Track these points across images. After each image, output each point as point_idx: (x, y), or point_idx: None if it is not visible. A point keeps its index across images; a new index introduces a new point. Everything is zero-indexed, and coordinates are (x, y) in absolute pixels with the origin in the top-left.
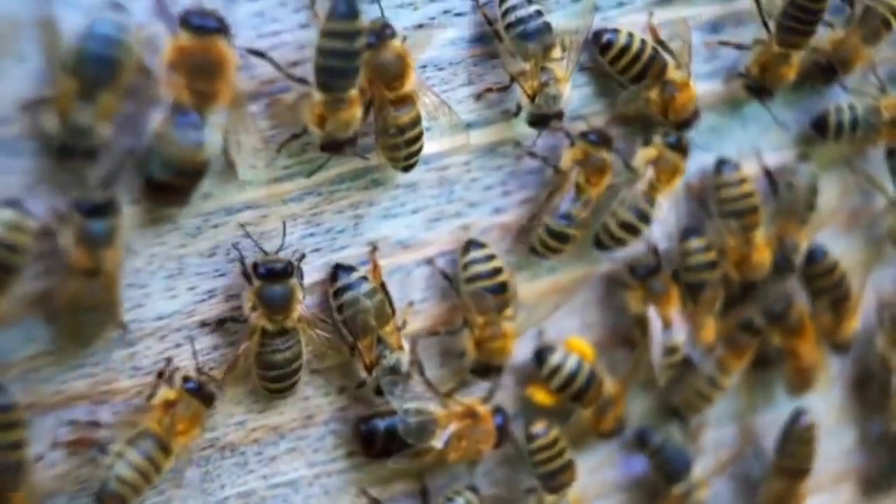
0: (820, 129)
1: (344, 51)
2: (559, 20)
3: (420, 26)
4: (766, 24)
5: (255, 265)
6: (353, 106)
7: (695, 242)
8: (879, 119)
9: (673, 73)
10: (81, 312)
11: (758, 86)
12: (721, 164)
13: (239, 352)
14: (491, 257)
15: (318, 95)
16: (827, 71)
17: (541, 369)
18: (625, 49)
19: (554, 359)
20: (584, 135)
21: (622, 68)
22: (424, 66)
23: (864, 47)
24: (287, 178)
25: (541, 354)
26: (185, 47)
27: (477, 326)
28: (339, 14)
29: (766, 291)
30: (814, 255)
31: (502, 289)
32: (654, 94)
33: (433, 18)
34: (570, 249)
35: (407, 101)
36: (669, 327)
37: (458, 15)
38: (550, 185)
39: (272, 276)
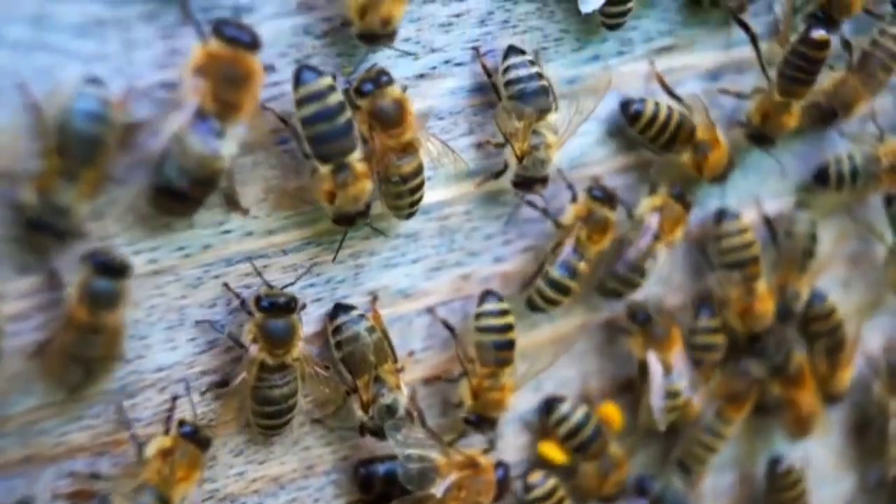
0: (821, 180)
1: (323, 112)
2: (558, 69)
3: (421, 76)
4: (766, 73)
5: (259, 298)
6: (362, 179)
7: (705, 319)
8: (879, 167)
9: (702, 134)
10: (76, 365)
11: (759, 134)
12: (721, 214)
13: (235, 382)
14: (505, 312)
15: (323, 169)
16: (827, 114)
17: (549, 417)
18: (653, 118)
19: (563, 408)
20: (588, 190)
21: (652, 137)
22: (425, 115)
23: (864, 90)
24: (286, 228)
25: (550, 403)
26: (215, 54)
27: (476, 376)
28: (304, 81)
29: (765, 341)
30: (812, 300)
31: (509, 346)
32: (686, 157)
33: (434, 68)
34: (566, 303)
35: (409, 148)
36: (670, 372)
37: (458, 65)
38: (552, 240)
39: (275, 309)
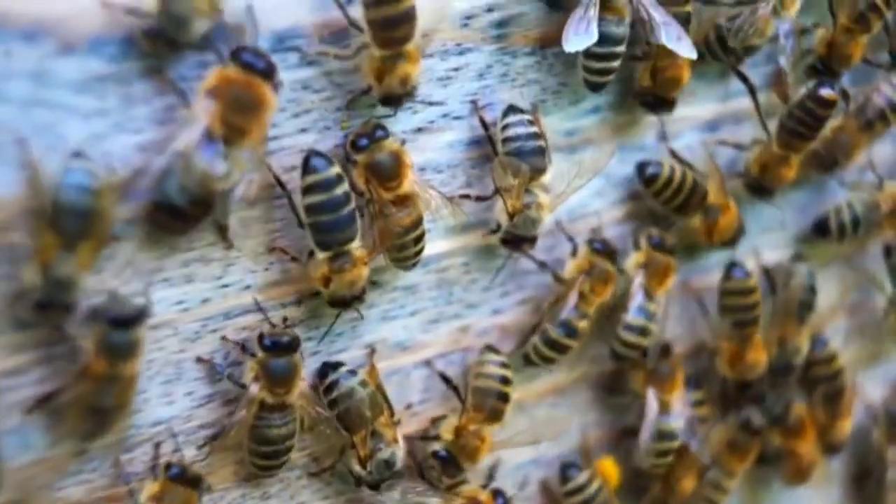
0: (822, 231)
1: (329, 202)
2: (557, 122)
3: (419, 130)
4: (764, 125)
5: (261, 336)
6: (359, 266)
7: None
8: (879, 214)
9: (713, 198)
10: (92, 415)
11: (758, 185)
12: (732, 267)
13: (233, 420)
14: (505, 365)
15: (321, 255)
16: (827, 162)
17: (564, 485)
18: (668, 181)
19: (580, 478)
20: (589, 243)
21: (666, 200)
22: (423, 169)
23: (863, 138)
24: (285, 281)
25: (566, 472)
26: (229, 77)
27: (464, 417)
28: (313, 168)
29: (758, 389)
30: (813, 344)
31: (504, 399)
32: (696, 221)
33: (432, 122)
34: (564, 360)
35: (407, 201)
36: (667, 412)
37: (456, 118)
38: (552, 294)
39: (277, 348)
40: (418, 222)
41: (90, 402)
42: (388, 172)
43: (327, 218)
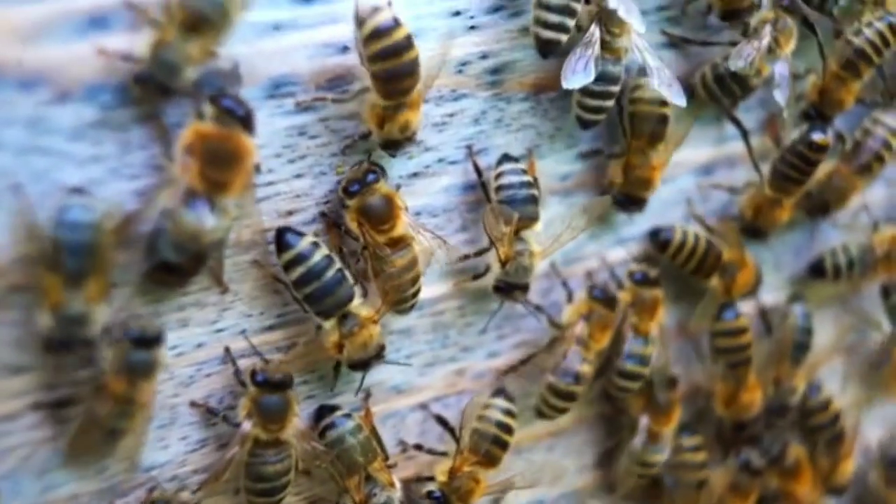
0: (818, 272)
1: (312, 273)
2: (552, 166)
3: (415, 175)
4: (757, 168)
5: (254, 373)
6: (367, 326)
7: (687, 440)
8: (874, 257)
9: (728, 255)
10: (100, 432)
11: (752, 228)
12: (722, 309)
13: (226, 457)
14: (509, 414)
15: (327, 324)
16: (820, 205)
17: None
18: (681, 246)
19: None
20: (589, 290)
21: (681, 263)
22: (419, 213)
23: (858, 180)
24: (280, 325)
25: None
26: (204, 133)
27: (458, 458)
28: (286, 244)
29: (753, 430)
30: (808, 392)
31: (502, 446)
32: (714, 281)
33: (428, 167)
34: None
35: (401, 243)
36: (656, 443)
37: (451, 163)
38: (551, 339)
39: (271, 385)
40: (413, 264)
41: (104, 421)
42: (381, 215)
43: (315, 287)
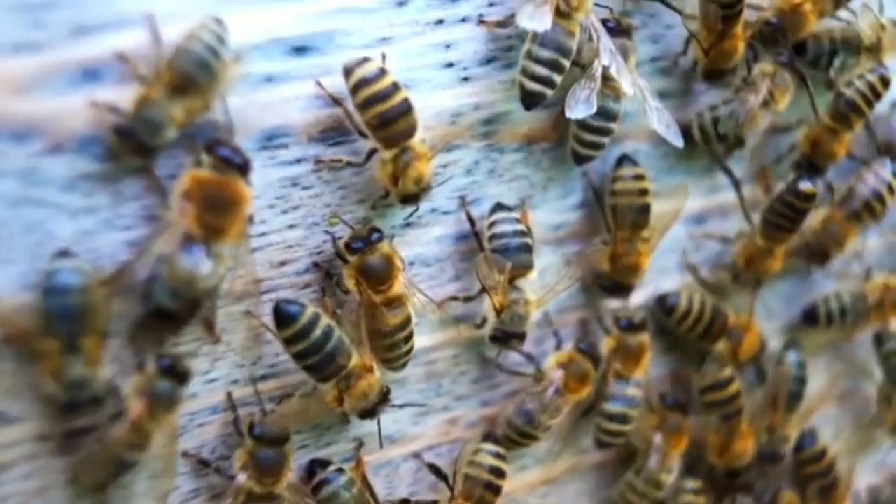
0: (811, 320)
1: (312, 347)
2: (544, 216)
3: (408, 224)
4: (748, 218)
5: (252, 425)
6: (364, 378)
7: (688, 483)
8: (866, 304)
9: (734, 320)
10: (114, 466)
11: (744, 277)
12: (705, 362)
13: None
14: (500, 457)
15: (324, 386)
16: (818, 253)
17: None
18: (687, 311)
19: None
20: (577, 342)
21: (687, 329)
22: (412, 263)
23: (851, 226)
24: (273, 375)
25: None
26: (201, 179)
27: (452, 499)
28: (286, 318)
29: (747, 477)
30: (802, 442)
31: (494, 491)
32: (721, 345)
33: (421, 217)
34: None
35: (396, 302)
36: (664, 465)
37: (444, 213)
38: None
39: (268, 439)
40: (407, 322)
41: (114, 449)
42: (380, 275)
43: (316, 358)
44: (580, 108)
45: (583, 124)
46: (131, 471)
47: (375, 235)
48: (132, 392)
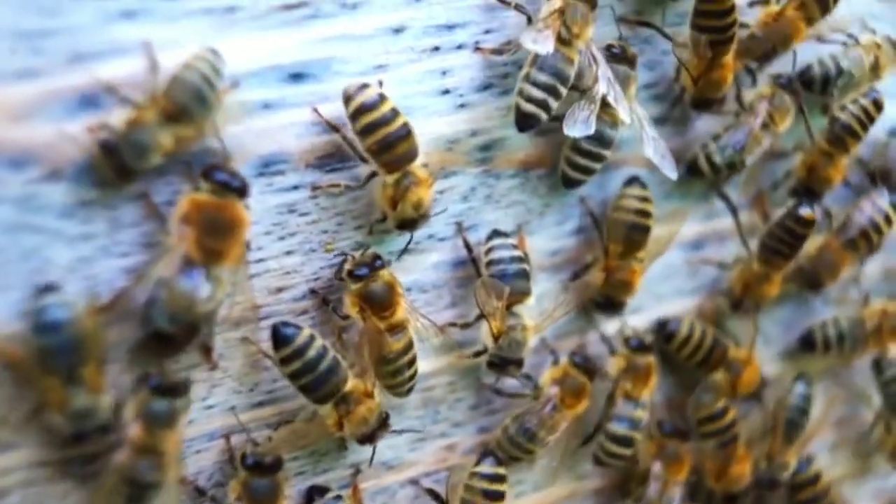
0: (808, 345)
1: (307, 366)
2: (541, 242)
3: (405, 251)
4: (745, 244)
5: (244, 455)
6: (364, 403)
7: None
8: (864, 330)
9: (735, 353)
10: (128, 488)
11: (741, 303)
12: (698, 395)
13: None
14: (501, 479)
15: (323, 410)
16: (813, 280)
17: None
18: (687, 338)
19: None
20: (571, 356)
21: (687, 356)
22: (409, 289)
23: (847, 254)
24: (269, 402)
25: None
26: (200, 202)
27: None
28: (283, 339)
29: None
30: (799, 467)
31: None
32: (720, 375)
33: (418, 243)
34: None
35: (399, 327)
36: (667, 493)
37: (441, 240)
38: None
39: (261, 468)
40: (409, 347)
41: (128, 475)
42: (383, 302)
43: (310, 378)
44: (579, 126)
45: (576, 147)
46: (154, 493)
47: (378, 262)
48: (130, 416)
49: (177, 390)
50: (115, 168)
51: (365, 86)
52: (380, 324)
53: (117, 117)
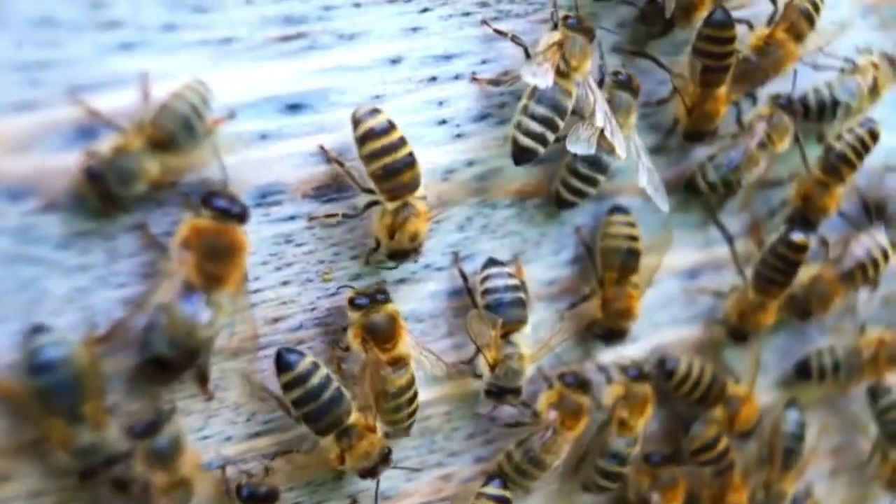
0: (804, 373)
1: (309, 394)
2: (537, 272)
3: (401, 281)
4: (741, 273)
5: (239, 487)
6: (366, 437)
7: None
8: (860, 359)
9: (733, 389)
10: None
11: (737, 332)
12: (689, 426)
13: None
14: (507, 501)
15: (324, 441)
16: (803, 309)
17: None
18: (686, 376)
19: None
20: (561, 377)
21: (685, 393)
22: (406, 319)
23: (841, 286)
24: (266, 432)
25: None
26: (200, 227)
27: None
28: (286, 365)
29: None
30: (796, 499)
31: None
32: (718, 412)
33: (414, 273)
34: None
35: (401, 362)
36: None
37: (437, 269)
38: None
39: (256, 499)
40: (411, 384)
41: None
42: (385, 334)
43: (313, 407)
44: (581, 144)
45: (572, 169)
46: None
47: (381, 296)
48: (142, 468)
49: (163, 421)
50: (99, 195)
51: (376, 110)
52: (382, 356)
53: (104, 144)
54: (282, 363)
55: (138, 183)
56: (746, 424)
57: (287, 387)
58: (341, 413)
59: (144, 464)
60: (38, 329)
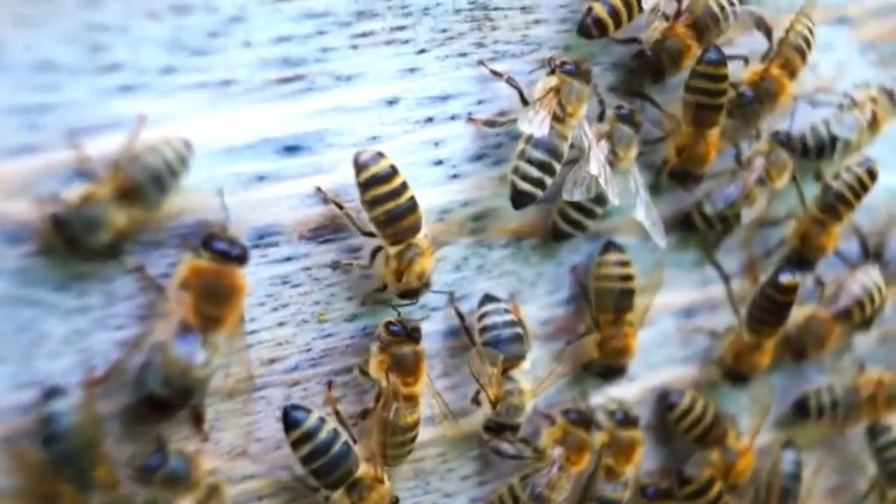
0: (802, 412)
1: (319, 449)
2: (533, 311)
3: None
4: (737, 313)
5: None
6: (376, 490)
7: None
8: (858, 398)
9: (733, 441)
10: None
11: (733, 373)
12: (681, 472)
13: None
14: None
15: (335, 495)
16: (798, 350)
17: None
18: (687, 411)
19: None
20: (565, 413)
21: (685, 429)
22: None
23: (837, 326)
24: (260, 474)
25: None
26: (200, 268)
27: None
28: (293, 422)
29: None
30: None
31: None
32: (716, 455)
33: (410, 313)
34: None
35: (414, 400)
36: None
37: (433, 309)
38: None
39: None
40: (418, 423)
41: None
42: (410, 369)
43: (322, 462)
44: (578, 191)
45: (573, 203)
46: None
47: (417, 335)
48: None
49: (164, 449)
50: (65, 241)
51: (379, 154)
52: (402, 389)
53: (73, 191)
54: (289, 421)
55: (103, 232)
56: (740, 478)
57: (295, 444)
58: (350, 466)
59: (169, 491)
60: (48, 394)
